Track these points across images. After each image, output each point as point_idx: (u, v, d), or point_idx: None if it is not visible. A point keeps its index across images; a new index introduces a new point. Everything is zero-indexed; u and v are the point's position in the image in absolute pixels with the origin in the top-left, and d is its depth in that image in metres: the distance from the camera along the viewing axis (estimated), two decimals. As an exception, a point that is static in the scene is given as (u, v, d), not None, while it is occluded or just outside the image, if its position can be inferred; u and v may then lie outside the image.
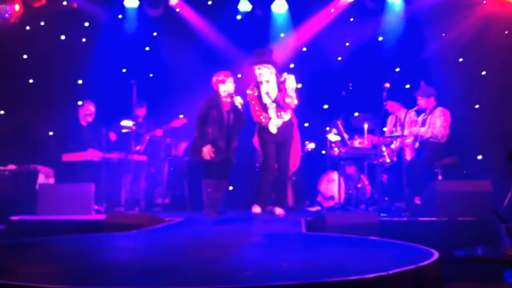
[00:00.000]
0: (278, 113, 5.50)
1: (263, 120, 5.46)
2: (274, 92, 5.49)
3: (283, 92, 5.49)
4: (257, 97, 5.53)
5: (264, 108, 5.52)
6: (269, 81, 5.50)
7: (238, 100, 5.67)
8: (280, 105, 5.48)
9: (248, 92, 5.62)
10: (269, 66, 5.49)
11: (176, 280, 2.05)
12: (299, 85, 5.54)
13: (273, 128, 5.44)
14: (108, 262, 2.53)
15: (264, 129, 5.53)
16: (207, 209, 5.62)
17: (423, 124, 6.16)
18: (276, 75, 5.55)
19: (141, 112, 7.26)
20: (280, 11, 8.26)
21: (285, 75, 5.57)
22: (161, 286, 1.86)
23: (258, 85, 5.55)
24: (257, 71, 5.50)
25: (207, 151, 5.53)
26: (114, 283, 1.93)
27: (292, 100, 5.49)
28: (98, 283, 1.94)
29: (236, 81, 5.90)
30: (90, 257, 2.69)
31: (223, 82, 5.69)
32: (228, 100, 5.69)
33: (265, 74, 5.48)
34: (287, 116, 5.51)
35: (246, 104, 5.78)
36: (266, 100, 5.50)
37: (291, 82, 5.52)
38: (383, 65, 7.79)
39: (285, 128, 5.52)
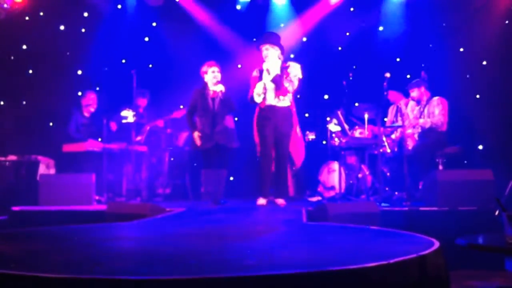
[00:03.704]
0: (277, 97, 5.47)
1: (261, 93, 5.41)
2: (274, 72, 5.44)
3: (284, 76, 5.46)
4: (258, 78, 5.49)
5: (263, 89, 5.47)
6: (273, 63, 5.46)
7: (219, 88, 5.76)
8: (279, 87, 5.43)
9: (253, 74, 5.60)
10: (276, 47, 5.50)
11: (178, 269, 2.06)
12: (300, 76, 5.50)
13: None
14: (110, 252, 2.54)
15: (262, 115, 5.51)
16: (206, 199, 5.69)
17: (421, 115, 6.14)
18: (281, 58, 5.53)
19: (143, 102, 7.25)
20: (280, 1, 8.22)
21: (290, 62, 5.57)
22: (163, 275, 1.85)
23: (261, 69, 5.53)
24: (264, 52, 5.50)
25: (195, 137, 5.71)
26: (115, 272, 1.93)
27: (291, 84, 5.46)
28: (99, 272, 1.94)
29: (236, 70, 5.89)
30: (92, 246, 2.69)
31: (206, 72, 5.81)
32: (215, 88, 5.79)
33: (271, 55, 5.47)
34: (285, 102, 5.49)
35: (234, 92, 5.85)
36: (265, 78, 5.46)
37: (295, 69, 5.51)
38: (384, 54, 7.76)
39: (284, 116, 5.50)
